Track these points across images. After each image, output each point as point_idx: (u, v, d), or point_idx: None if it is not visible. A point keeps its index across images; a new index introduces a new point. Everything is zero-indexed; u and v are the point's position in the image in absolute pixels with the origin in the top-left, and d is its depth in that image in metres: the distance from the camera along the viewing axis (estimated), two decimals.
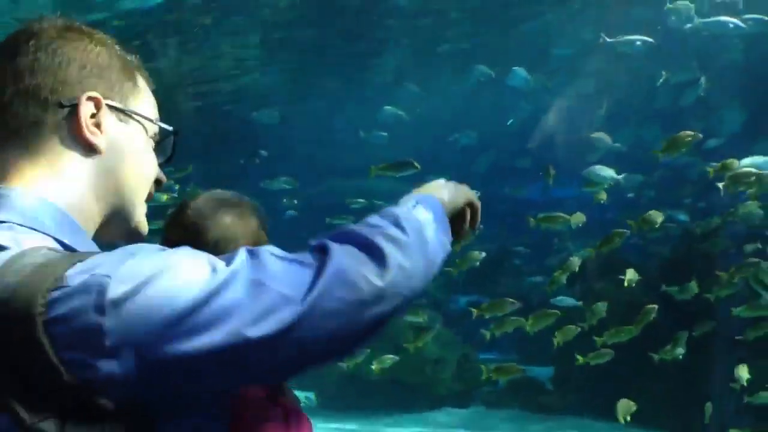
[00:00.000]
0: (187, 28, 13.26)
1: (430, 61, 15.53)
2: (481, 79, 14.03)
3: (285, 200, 15.48)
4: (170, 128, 1.60)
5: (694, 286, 8.95)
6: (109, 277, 1.17)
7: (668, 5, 11.13)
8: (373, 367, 9.63)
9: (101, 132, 1.45)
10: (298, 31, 13.82)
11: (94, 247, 1.41)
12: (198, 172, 12.79)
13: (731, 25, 11.15)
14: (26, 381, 1.15)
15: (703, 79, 12.80)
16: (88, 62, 1.45)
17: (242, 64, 15.37)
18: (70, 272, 1.18)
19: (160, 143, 1.60)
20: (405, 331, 10.30)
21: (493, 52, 14.57)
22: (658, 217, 8.26)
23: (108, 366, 1.15)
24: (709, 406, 8.33)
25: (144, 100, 1.55)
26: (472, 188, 1.71)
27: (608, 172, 9.73)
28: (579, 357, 8.57)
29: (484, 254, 9.10)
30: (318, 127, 17.98)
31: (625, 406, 7.64)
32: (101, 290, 1.16)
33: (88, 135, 1.43)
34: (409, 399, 11.66)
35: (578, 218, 8.90)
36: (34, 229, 1.32)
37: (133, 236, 1.55)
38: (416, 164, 8.55)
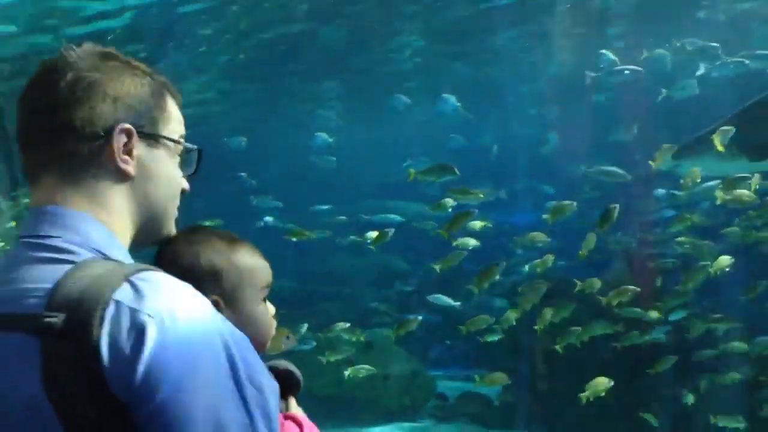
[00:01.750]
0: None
1: (380, 88, 14.36)
2: (400, 108, 13.82)
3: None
4: (195, 147, 1.76)
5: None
6: (151, 317, 1.35)
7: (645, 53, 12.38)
8: (347, 373, 10.14)
9: (132, 159, 1.60)
10: (256, 68, 14.79)
11: (123, 258, 1.56)
12: None
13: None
14: (74, 384, 1.33)
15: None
16: (121, 94, 1.58)
17: (207, 91, 14.87)
18: (118, 296, 1.37)
19: (186, 158, 1.75)
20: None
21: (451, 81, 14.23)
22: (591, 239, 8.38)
23: (135, 392, 1.32)
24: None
25: (172, 119, 1.70)
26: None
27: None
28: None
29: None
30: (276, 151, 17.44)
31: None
32: (141, 329, 1.34)
33: (120, 164, 1.58)
34: (356, 414, 11.79)
35: (538, 237, 9.47)
36: (84, 246, 1.51)
37: (158, 241, 1.78)
38: (456, 170, 8.57)
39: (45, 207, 1.55)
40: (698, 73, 12.47)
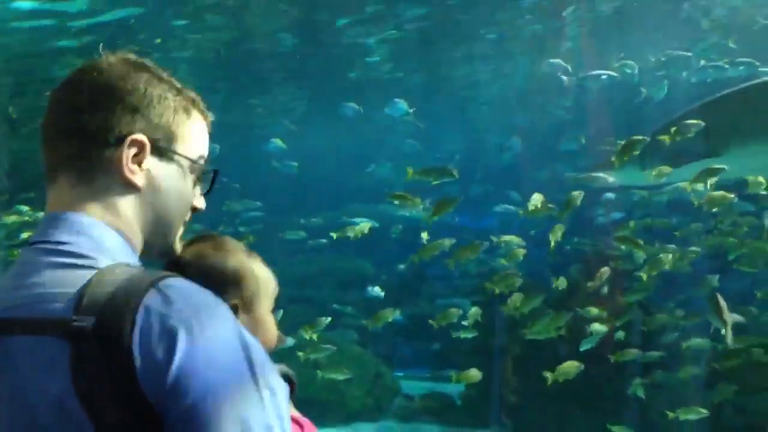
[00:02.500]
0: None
1: (341, 93, 14.54)
2: (349, 114, 14.02)
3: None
4: (210, 168, 1.78)
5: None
6: (181, 322, 1.39)
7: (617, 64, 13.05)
8: (319, 373, 10.29)
9: (141, 170, 1.62)
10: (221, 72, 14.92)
11: (139, 265, 1.60)
12: None
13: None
14: (106, 386, 1.36)
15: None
16: (142, 105, 1.61)
17: None
18: (147, 302, 1.41)
19: (202, 177, 1.77)
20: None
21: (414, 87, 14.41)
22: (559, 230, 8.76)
23: (165, 395, 1.36)
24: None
25: (192, 137, 1.71)
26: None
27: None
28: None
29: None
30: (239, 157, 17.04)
31: None
32: (172, 334, 1.38)
33: (127, 174, 1.59)
34: (319, 415, 11.92)
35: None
36: (99, 252, 1.54)
37: (166, 255, 1.79)
38: (455, 172, 8.66)
39: (60, 213, 1.58)
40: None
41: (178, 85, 1.71)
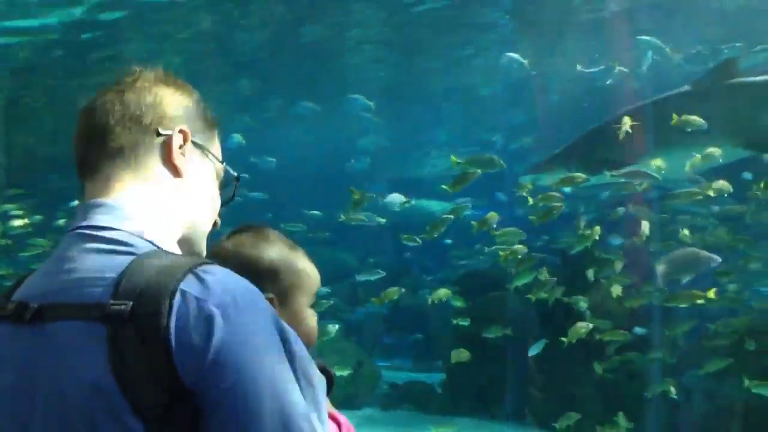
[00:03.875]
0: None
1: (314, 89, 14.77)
2: (306, 113, 14.26)
3: None
4: (235, 173, 1.87)
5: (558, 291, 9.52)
6: (217, 308, 1.41)
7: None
8: None
9: (186, 161, 1.72)
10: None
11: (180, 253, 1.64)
12: None
13: None
14: (143, 368, 1.39)
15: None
16: (180, 105, 1.74)
17: None
18: (185, 287, 1.42)
19: (224, 186, 1.86)
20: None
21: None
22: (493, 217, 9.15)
23: (203, 378, 1.38)
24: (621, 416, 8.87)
25: (216, 143, 1.83)
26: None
27: None
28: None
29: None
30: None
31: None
32: (209, 318, 1.40)
33: (176, 159, 1.69)
34: None
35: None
36: (141, 238, 1.58)
37: (194, 250, 1.77)
38: (501, 163, 8.72)
39: (102, 199, 1.63)
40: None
41: (201, 100, 1.81)
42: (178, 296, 1.41)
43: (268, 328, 1.45)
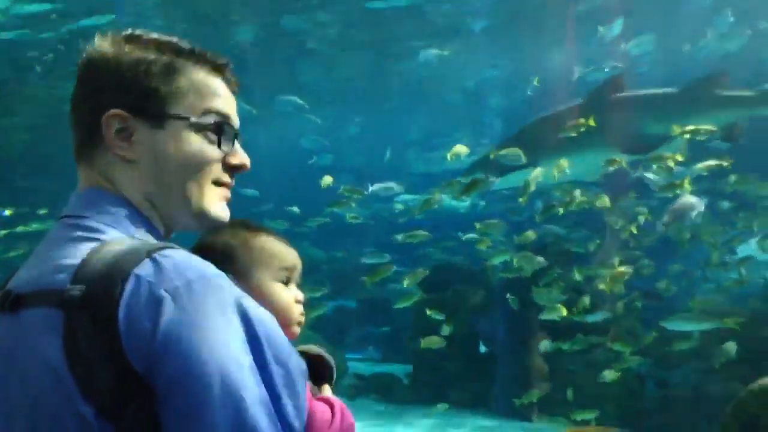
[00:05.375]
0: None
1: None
2: (288, 109, 14.65)
3: None
4: (212, 121, 1.64)
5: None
6: (167, 291, 1.37)
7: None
8: None
9: (131, 143, 1.59)
10: None
11: (153, 239, 1.58)
12: None
13: None
14: (93, 353, 1.36)
15: None
16: (123, 78, 1.58)
17: None
18: (138, 271, 1.39)
19: (221, 132, 1.65)
20: None
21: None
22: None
23: (152, 364, 1.35)
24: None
25: (189, 93, 1.62)
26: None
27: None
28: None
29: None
30: None
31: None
32: (159, 302, 1.37)
33: (117, 151, 1.59)
34: None
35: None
36: (113, 225, 1.55)
37: (204, 222, 1.68)
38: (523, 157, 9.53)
39: (83, 189, 1.62)
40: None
41: (169, 43, 1.64)
42: (131, 280, 1.38)
43: (224, 311, 1.40)
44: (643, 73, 14.43)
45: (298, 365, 1.48)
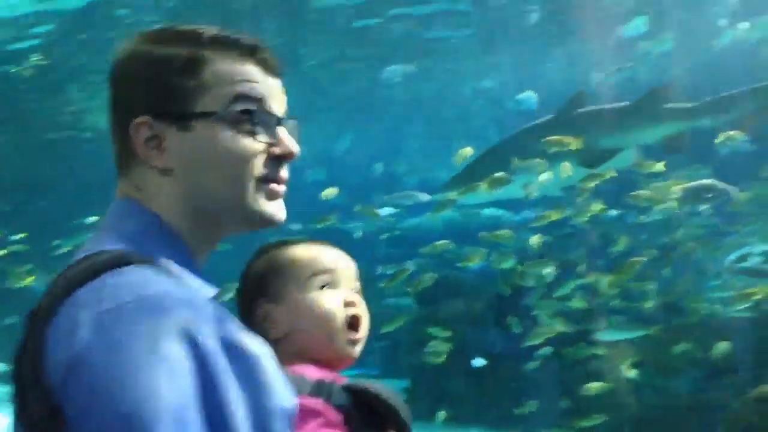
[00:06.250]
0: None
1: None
2: None
3: None
4: (244, 108, 1.48)
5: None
6: (90, 315, 1.25)
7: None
8: None
9: (162, 151, 1.46)
10: None
11: (177, 255, 1.44)
12: None
13: None
14: (28, 372, 1.29)
15: None
16: (144, 81, 1.47)
17: None
18: (81, 290, 1.29)
19: (254, 120, 1.49)
20: None
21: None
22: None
23: (63, 395, 1.23)
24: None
25: (212, 85, 1.47)
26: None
27: None
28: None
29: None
30: None
31: None
32: (77, 325, 1.25)
33: (149, 161, 1.47)
34: None
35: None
36: (125, 238, 1.42)
37: (256, 224, 1.52)
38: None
39: (114, 201, 1.52)
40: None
41: (189, 33, 1.50)
42: (69, 301, 1.28)
43: (157, 338, 1.22)
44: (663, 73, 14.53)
45: (277, 407, 1.29)
